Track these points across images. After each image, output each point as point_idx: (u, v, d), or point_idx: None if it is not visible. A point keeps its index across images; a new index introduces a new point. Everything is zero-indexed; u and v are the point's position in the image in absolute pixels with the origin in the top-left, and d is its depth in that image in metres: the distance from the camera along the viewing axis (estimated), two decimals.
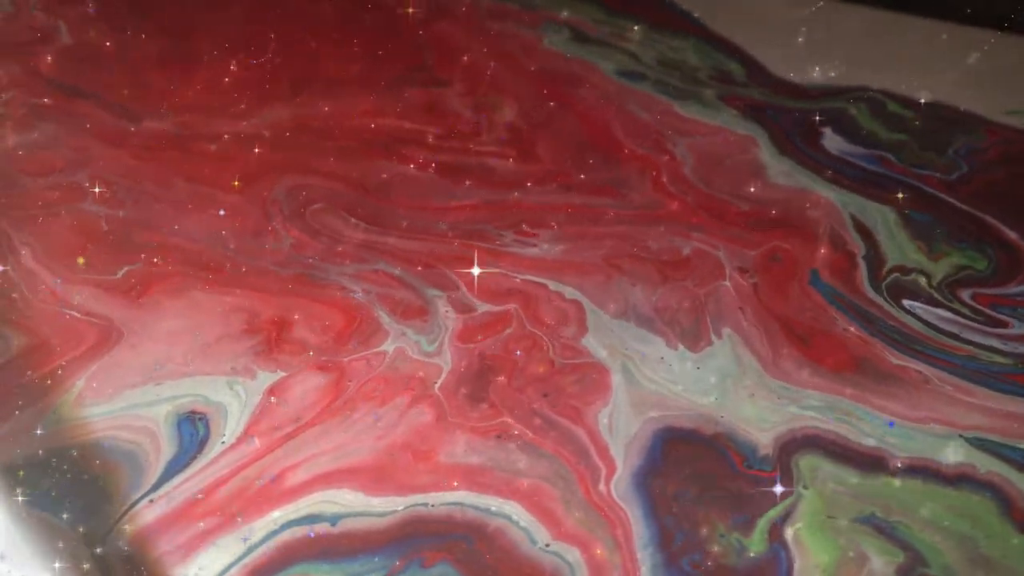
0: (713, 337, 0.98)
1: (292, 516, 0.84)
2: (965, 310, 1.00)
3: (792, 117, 1.21)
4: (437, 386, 0.94)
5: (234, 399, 0.93)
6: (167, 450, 0.89)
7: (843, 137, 1.19)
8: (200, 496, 0.86)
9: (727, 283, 1.02)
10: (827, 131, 1.19)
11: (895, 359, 0.95)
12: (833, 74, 1.24)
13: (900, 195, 1.08)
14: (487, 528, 0.83)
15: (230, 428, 0.91)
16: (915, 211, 1.10)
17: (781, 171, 1.15)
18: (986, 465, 0.86)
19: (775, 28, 1.33)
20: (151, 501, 0.85)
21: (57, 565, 0.82)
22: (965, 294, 1.01)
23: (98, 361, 0.96)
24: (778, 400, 0.92)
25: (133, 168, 1.18)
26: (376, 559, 0.81)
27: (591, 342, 0.98)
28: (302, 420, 0.91)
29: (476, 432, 0.91)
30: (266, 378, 0.95)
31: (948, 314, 0.99)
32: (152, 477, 0.87)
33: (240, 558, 0.81)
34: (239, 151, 1.21)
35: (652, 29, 1.33)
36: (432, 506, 0.84)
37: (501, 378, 0.94)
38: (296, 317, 1.01)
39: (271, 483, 0.87)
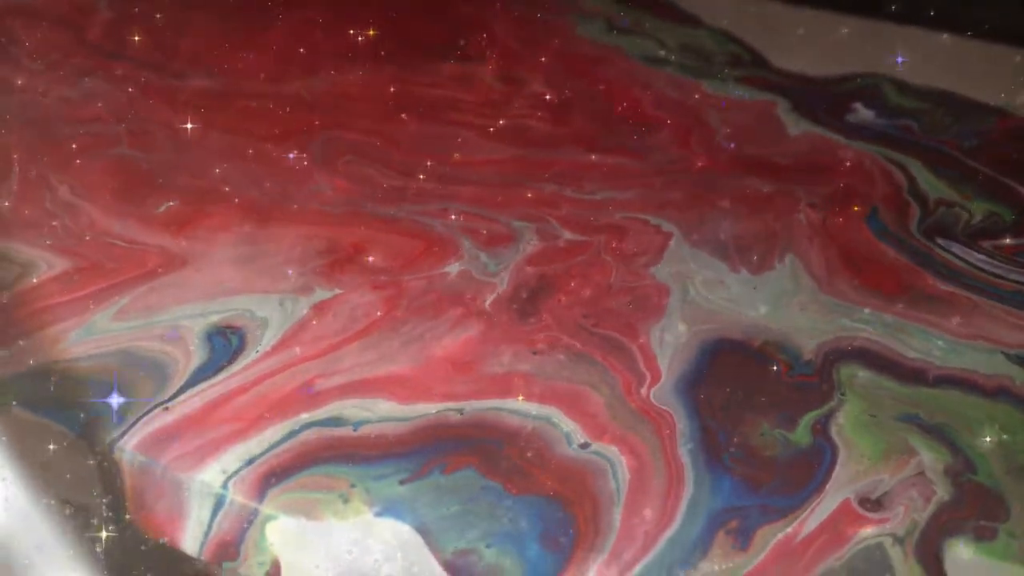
0: (776, 263, 1.01)
1: (317, 418, 0.83)
2: (1000, 257, 1.02)
3: (811, 92, 1.26)
4: (488, 302, 0.95)
5: (279, 313, 0.93)
6: (196, 360, 0.89)
7: (864, 108, 1.23)
8: (224, 401, 0.85)
9: (801, 216, 1.06)
10: (848, 103, 1.23)
11: (944, 286, 0.97)
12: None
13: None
14: (523, 432, 0.82)
15: (267, 340, 0.91)
16: (940, 167, 1.13)
17: (808, 131, 1.19)
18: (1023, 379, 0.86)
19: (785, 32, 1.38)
20: (166, 408, 0.84)
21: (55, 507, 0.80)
22: (988, 244, 1.04)
23: (147, 284, 0.97)
24: (829, 313, 0.94)
25: (172, 120, 1.22)
26: (397, 463, 0.80)
27: (660, 269, 1.00)
28: (346, 333, 0.91)
29: (523, 344, 0.91)
30: (321, 295, 0.95)
31: (986, 258, 1.02)
32: (176, 384, 0.87)
33: (257, 457, 0.80)
34: (279, 109, 1.25)
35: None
36: (464, 412, 0.84)
37: (554, 297, 0.95)
38: (356, 244, 1.02)
39: (301, 388, 0.86)
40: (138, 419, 0.83)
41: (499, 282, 0.98)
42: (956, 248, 1.02)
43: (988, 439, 0.81)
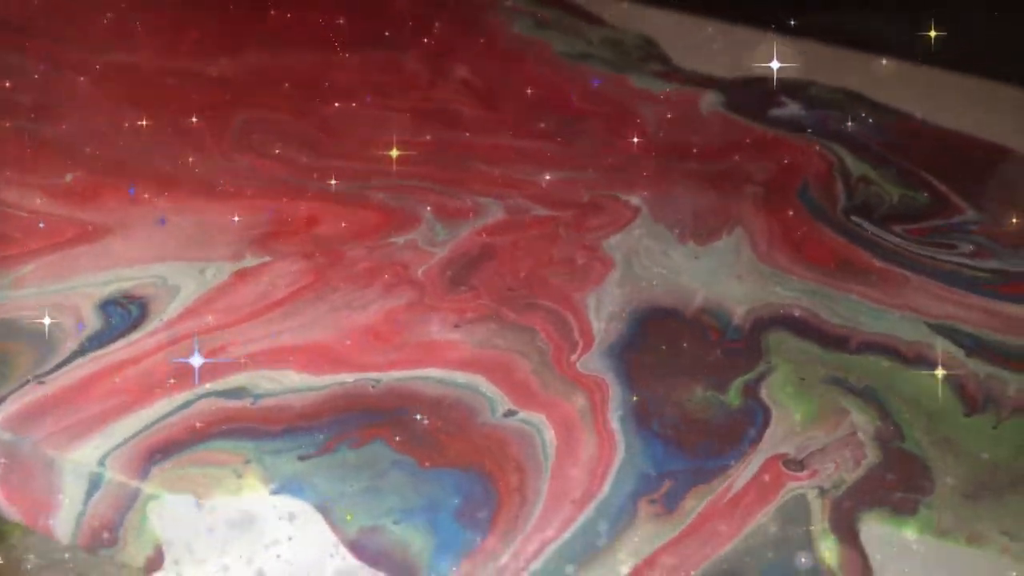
0: (724, 234, 1.01)
1: (215, 390, 0.77)
2: (912, 239, 1.03)
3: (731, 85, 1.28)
4: (422, 271, 0.91)
5: (195, 281, 0.88)
6: (86, 331, 0.82)
7: (789, 102, 1.25)
8: (109, 372, 0.78)
9: (749, 192, 1.08)
10: (770, 97, 1.25)
11: (880, 263, 0.98)
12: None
13: None
14: (443, 402, 0.76)
15: (173, 308, 0.85)
16: (859, 156, 1.16)
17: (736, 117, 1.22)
18: (943, 347, 0.87)
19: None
20: (41, 383, 0.77)
21: None
22: (899, 228, 1.05)
23: (56, 253, 0.91)
24: (764, 282, 0.94)
25: (82, 93, 1.15)
26: (301, 437, 0.73)
27: (611, 240, 0.98)
28: (267, 300, 0.86)
29: (452, 312, 0.87)
30: (250, 262, 0.91)
31: (901, 240, 1.03)
32: (59, 357, 0.79)
33: (140, 432, 0.73)
34: (196, 86, 1.19)
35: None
36: (377, 383, 0.78)
37: (491, 264, 0.92)
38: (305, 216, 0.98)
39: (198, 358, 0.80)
40: (8, 394, 0.75)
41: (441, 252, 0.94)
42: (880, 228, 1.04)
43: (914, 406, 0.80)
